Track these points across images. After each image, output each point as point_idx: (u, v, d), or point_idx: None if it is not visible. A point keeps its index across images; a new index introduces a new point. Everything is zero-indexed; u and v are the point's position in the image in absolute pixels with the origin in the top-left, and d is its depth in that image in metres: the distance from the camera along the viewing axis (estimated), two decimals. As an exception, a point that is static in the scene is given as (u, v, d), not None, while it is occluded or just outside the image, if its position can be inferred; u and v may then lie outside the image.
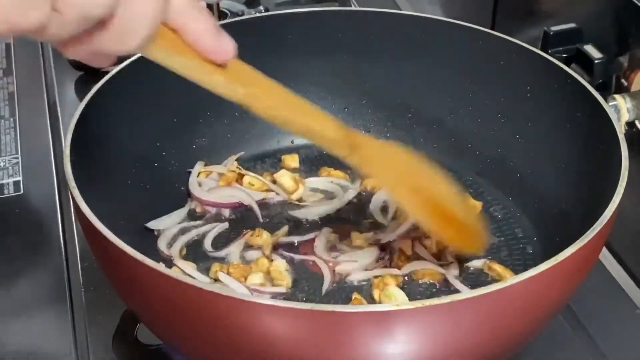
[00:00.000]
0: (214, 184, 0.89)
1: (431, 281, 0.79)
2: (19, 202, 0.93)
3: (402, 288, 0.77)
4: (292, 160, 0.93)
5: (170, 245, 0.82)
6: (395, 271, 0.79)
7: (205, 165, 0.90)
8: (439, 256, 0.81)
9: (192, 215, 0.86)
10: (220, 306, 0.59)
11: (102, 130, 0.79)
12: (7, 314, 0.81)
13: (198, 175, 0.89)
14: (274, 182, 0.90)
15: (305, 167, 0.93)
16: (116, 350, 0.76)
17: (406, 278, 0.79)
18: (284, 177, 0.89)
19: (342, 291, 0.78)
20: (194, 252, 0.82)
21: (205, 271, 0.79)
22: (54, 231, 0.89)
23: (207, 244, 0.83)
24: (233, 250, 0.82)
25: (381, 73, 0.93)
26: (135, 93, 0.83)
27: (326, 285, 0.78)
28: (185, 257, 0.81)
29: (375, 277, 0.79)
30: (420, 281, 0.79)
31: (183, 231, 0.84)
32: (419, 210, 0.73)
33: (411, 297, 0.77)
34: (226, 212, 0.87)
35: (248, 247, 0.82)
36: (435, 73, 0.91)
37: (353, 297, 0.76)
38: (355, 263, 0.80)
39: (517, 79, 0.86)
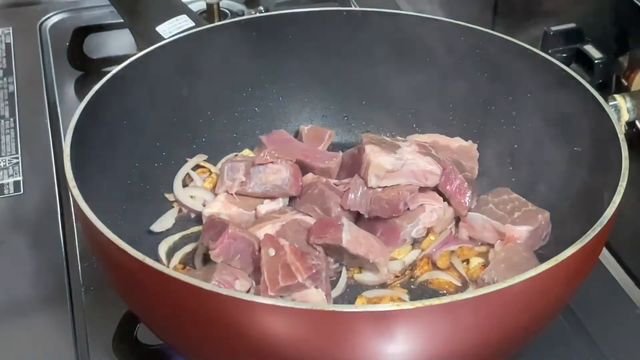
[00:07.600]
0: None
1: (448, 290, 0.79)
2: (19, 202, 0.93)
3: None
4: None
5: (170, 255, 0.82)
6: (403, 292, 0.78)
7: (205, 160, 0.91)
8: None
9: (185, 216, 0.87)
10: (220, 306, 0.59)
11: (102, 130, 0.79)
12: (7, 314, 0.81)
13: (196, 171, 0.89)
14: None
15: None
16: (116, 350, 0.76)
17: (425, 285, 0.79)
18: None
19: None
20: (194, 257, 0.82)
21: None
22: (54, 231, 0.89)
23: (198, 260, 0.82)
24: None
25: (381, 73, 0.93)
26: (135, 93, 0.83)
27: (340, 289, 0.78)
28: (185, 264, 0.81)
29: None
30: (439, 290, 0.79)
31: (183, 238, 0.84)
32: None
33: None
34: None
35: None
36: (435, 73, 0.91)
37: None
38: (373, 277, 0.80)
39: (517, 79, 0.86)
